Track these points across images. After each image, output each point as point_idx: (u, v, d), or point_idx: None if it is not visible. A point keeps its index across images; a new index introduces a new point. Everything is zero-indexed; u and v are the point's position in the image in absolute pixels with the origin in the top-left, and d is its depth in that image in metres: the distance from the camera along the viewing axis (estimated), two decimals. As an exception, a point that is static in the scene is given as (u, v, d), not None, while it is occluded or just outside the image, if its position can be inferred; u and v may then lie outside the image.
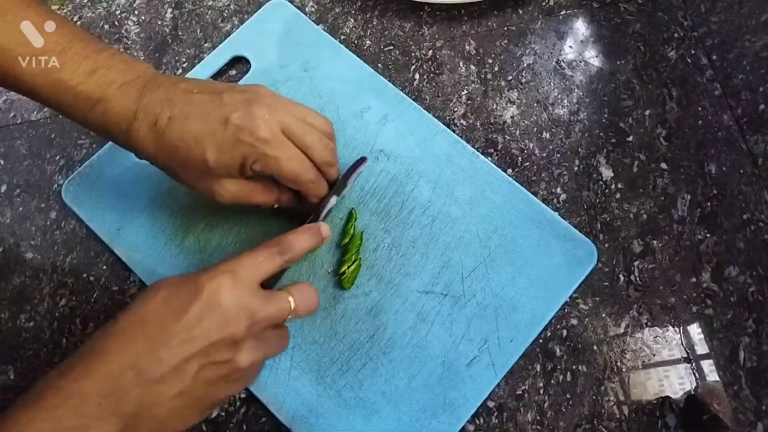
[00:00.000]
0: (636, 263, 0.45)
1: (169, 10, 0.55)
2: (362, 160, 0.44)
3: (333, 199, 0.41)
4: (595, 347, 0.43)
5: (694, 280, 0.44)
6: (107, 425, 0.29)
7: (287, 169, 0.37)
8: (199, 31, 0.54)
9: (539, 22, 0.52)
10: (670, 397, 0.42)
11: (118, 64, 0.36)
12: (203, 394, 0.32)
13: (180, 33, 0.54)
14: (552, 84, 0.50)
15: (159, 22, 0.55)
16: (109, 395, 0.30)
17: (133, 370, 0.30)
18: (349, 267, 0.43)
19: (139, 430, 0.31)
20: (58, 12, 0.54)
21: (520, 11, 0.53)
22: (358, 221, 0.45)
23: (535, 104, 0.50)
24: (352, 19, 0.53)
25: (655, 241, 0.45)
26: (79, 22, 0.55)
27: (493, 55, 0.51)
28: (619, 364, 0.43)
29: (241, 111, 0.35)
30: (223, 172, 0.36)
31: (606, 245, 0.45)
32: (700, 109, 0.49)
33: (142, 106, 0.35)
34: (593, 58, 0.51)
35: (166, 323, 0.31)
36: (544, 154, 0.48)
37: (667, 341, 0.43)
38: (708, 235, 0.45)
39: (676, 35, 0.51)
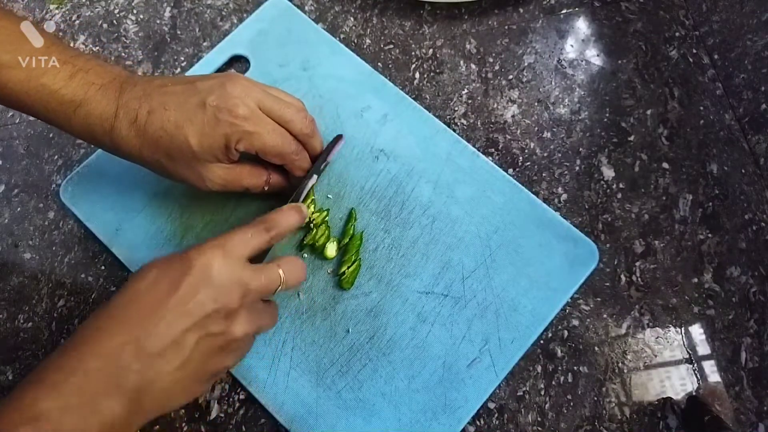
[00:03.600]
0: (637, 263, 0.45)
1: (168, 9, 0.55)
2: (338, 138, 0.45)
3: (313, 178, 0.42)
4: (596, 348, 0.43)
5: (695, 280, 0.44)
6: (111, 401, 0.30)
7: (270, 143, 0.38)
8: (197, 30, 0.54)
9: (540, 21, 0.52)
10: (672, 398, 0.42)
11: (95, 68, 0.37)
12: (202, 366, 0.33)
13: (179, 32, 0.54)
14: (553, 83, 0.50)
15: (158, 21, 0.54)
16: (111, 372, 0.30)
17: (132, 346, 0.30)
18: (348, 267, 0.43)
19: (144, 404, 0.31)
20: (57, 12, 0.54)
21: (521, 10, 0.52)
22: (358, 221, 0.45)
23: (536, 103, 0.49)
24: (351, 18, 0.53)
25: (656, 242, 0.45)
26: (77, 21, 0.55)
27: (493, 54, 0.51)
28: (620, 364, 0.42)
29: (216, 92, 0.36)
30: (209, 157, 0.37)
31: (607, 245, 0.45)
32: (701, 108, 0.48)
33: (122, 104, 0.36)
34: (594, 57, 0.51)
35: (161, 299, 0.32)
36: (545, 154, 0.48)
37: (668, 342, 0.43)
38: (710, 235, 0.45)
39: (677, 34, 0.51)
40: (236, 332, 0.33)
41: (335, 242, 0.44)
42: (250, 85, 0.38)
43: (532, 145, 0.48)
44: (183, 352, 0.31)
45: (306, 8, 0.54)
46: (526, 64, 0.51)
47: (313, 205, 0.44)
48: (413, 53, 0.52)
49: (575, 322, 0.43)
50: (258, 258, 0.38)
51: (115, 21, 0.55)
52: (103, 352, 0.30)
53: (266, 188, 0.42)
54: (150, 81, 0.38)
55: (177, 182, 0.40)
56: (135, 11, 0.55)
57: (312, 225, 0.44)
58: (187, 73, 0.50)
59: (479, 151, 0.46)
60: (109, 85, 0.37)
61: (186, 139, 0.36)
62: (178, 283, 0.32)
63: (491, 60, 0.51)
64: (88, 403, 0.29)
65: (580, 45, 0.51)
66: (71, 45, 0.53)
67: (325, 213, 0.44)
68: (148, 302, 0.32)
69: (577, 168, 0.47)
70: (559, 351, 0.43)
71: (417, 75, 0.51)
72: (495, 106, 0.50)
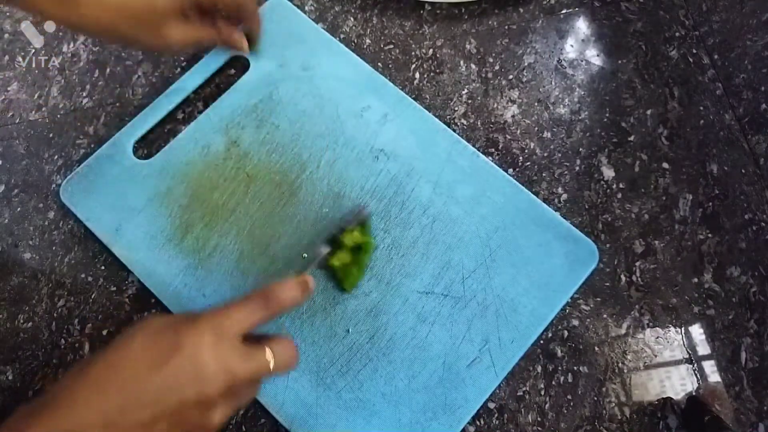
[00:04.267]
0: (637, 263, 0.45)
1: (168, 9, 0.55)
2: (361, 208, 0.44)
3: (323, 248, 0.41)
4: (596, 348, 0.43)
5: (695, 280, 0.44)
6: None
7: None
8: (198, 30, 0.54)
9: (540, 21, 0.52)
10: (672, 398, 0.42)
11: None
12: None
13: (179, 32, 0.54)
14: (553, 83, 0.50)
15: (158, 21, 0.54)
16: None
17: (101, 424, 0.29)
18: (352, 269, 0.42)
19: None
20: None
21: (521, 10, 0.52)
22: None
23: (536, 103, 0.49)
24: (351, 18, 0.53)
25: (656, 242, 0.45)
26: (77, 21, 0.55)
27: (493, 54, 0.51)
28: (620, 364, 0.42)
29: None
30: (169, 11, 0.39)
31: (607, 245, 0.45)
32: (701, 108, 0.48)
33: None
34: (594, 57, 0.51)
35: (141, 374, 0.30)
36: (545, 154, 0.48)
37: (668, 342, 0.43)
38: (710, 235, 0.45)
39: (677, 34, 0.51)
40: (212, 422, 0.32)
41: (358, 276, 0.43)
42: None
43: (532, 145, 0.48)
44: None
45: (306, 8, 0.54)
46: (526, 64, 0.51)
47: (362, 234, 0.43)
48: (413, 53, 0.52)
49: (575, 322, 0.43)
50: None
51: (115, 21, 0.55)
52: (70, 424, 0.29)
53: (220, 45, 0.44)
54: None
55: (136, 48, 0.41)
56: (135, 11, 0.55)
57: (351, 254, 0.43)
58: (187, 74, 0.50)
59: (479, 151, 0.46)
60: None
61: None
62: (162, 362, 0.30)
63: (491, 60, 0.51)
64: None
65: (580, 45, 0.51)
66: (71, 45, 0.53)
67: (367, 253, 0.43)
68: (128, 374, 0.30)
69: (577, 168, 0.47)
70: (559, 351, 0.43)
71: (417, 75, 0.51)
72: (495, 106, 0.50)
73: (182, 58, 0.53)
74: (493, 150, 0.48)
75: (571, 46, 0.51)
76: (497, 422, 0.41)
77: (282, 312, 0.36)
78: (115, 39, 0.40)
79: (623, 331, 0.43)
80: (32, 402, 0.30)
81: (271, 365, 0.34)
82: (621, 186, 0.47)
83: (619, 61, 0.50)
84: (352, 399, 0.41)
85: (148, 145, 0.49)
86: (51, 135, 0.51)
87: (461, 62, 0.51)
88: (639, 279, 0.44)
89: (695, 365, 0.42)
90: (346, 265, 0.42)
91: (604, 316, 0.43)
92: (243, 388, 0.34)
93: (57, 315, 0.45)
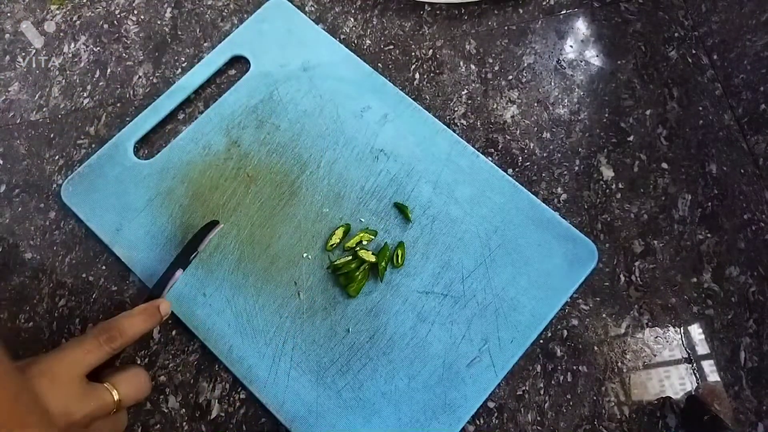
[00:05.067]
0: (637, 263, 0.45)
1: (169, 10, 0.55)
2: (213, 224, 0.43)
3: (178, 273, 0.40)
4: (595, 347, 0.43)
5: (694, 280, 0.44)
6: None
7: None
8: (198, 30, 0.54)
9: (540, 22, 0.52)
10: (671, 398, 0.42)
11: None
12: None
13: (179, 32, 0.54)
14: (552, 83, 0.50)
15: (158, 22, 0.55)
16: None
17: None
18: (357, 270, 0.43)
19: None
20: (57, 12, 0.54)
21: (521, 10, 0.52)
22: (359, 222, 0.45)
23: (536, 104, 0.50)
24: (351, 19, 0.53)
25: (655, 241, 0.45)
26: (78, 22, 0.55)
27: (493, 55, 0.51)
28: (619, 364, 0.42)
29: None
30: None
31: (607, 245, 0.45)
32: (700, 108, 0.49)
33: None
34: (594, 57, 0.51)
35: None
36: (545, 154, 0.48)
37: (667, 341, 0.43)
38: (709, 235, 0.45)
39: (676, 35, 0.51)
40: None
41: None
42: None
43: (531, 145, 0.48)
44: None
45: (306, 9, 0.54)
46: (525, 64, 0.51)
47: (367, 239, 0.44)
48: (413, 54, 0.52)
49: (574, 322, 0.43)
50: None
51: (115, 21, 0.55)
52: None
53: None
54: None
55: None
56: (136, 12, 0.55)
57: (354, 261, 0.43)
58: (187, 74, 0.50)
59: (479, 151, 0.47)
60: None
61: None
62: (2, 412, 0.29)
63: (491, 60, 0.51)
64: None
65: (579, 45, 0.51)
66: (71, 45, 0.53)
67: (369, 262, 0.43)
68: None
69: (577, 168, 0.47)
70: (558, 350, 0.43)
71: (417, 75, 0.51)
72: (494, 106, 0.50)
73: (182, 58, 0.53)
74: (492, 150, 0.48)
75: (571, 46, 0.51)
76: (497, 421, 0.41)
77: (127, 344, 0.36)
78: None
79: (622, 331, 0.43)
80: None
81: (116, 398, 0.34)
82: (620, 186, 0.47)
83: (619, 62, 0.50)
84: (352, 398, 0.41)
85: (149, 146, 0.49)
86: (52, 135, 0.51)
87: (461, 63, 0.51)
88: (638, 279, 0.44)
89: (694, 365, 0.42)
90: (352, 271, 0.43)
91: (604, 315, 0.44)
92: (98, 423, 0.34)
93: (58, 315, 0.46)
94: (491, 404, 0.42)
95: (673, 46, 0.50)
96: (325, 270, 0.44)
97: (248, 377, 0.42)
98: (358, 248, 0.43)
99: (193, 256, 0.41)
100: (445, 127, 0.47)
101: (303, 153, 0.47)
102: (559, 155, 0.48)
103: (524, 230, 0.44)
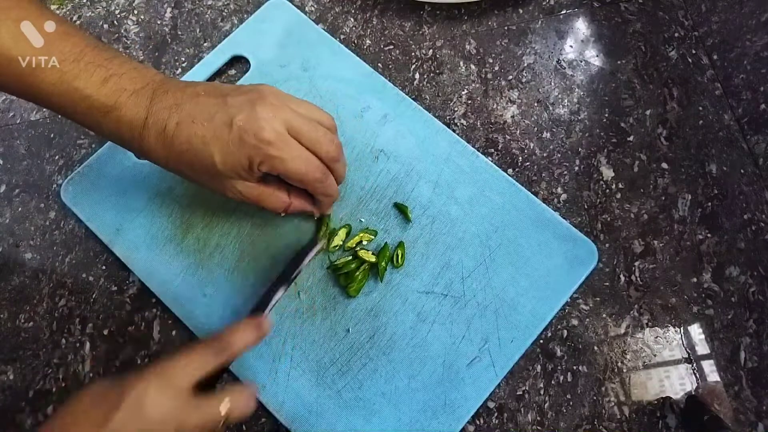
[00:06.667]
0: (637, 263, 0.45)
1: (169, 10, 0.55)
2: (312, 244, 0.43)
3: (280, 292, 0.40)
4: (595, 347, 0.43)
5: (694, 280, 0.44)
6: None
7: (293, 169, 0.36)
8: (198, 30, 0.54)
9: (540, 22, 0.52)
10: (671, 398, 0.42)
11: (129, 72, 0.36)
12: None
13: (179, 32, 0.54)
14: (552, 83, 0.50)
15: (158, 22, 0.55)
16: None
17: None
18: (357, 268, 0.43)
19: None
20: (57, 12, 0.54)
21: (521, 10, 0.53)
22: (358, 223, 0.45)
23: (536, 104, 0.50)
24: (352, 19, 0.53)
25: (655, 241, 0.45)
26: (78, 22, 0.55)
27: (493, 55, 0.51)
28: (619, 364, 0.42)
29: (245, 113, 0.35)
30: (231, 174, 0.36)
31: (606, 245, 0.45)
32: (700, 108, 0.49)
33: (152, 113, 0.35)
34: (594, 57, 0.51)
35: None
36: (545, 154, 0.48)
37: (667, 341, 0.43)
38: (709, 235, 0.45)
39: (676, 35, 0.51)
40: None
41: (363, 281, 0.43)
42: (280, 105, 0.36)
43: (531, 145, 0.48)
44: None
45: (306, 9, 0.54)
46: (525, 64, 0.51)
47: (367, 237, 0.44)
48: (413, 54, 0.52)
49: (574, 322, 0.44)
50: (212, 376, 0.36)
51: (115, 21, 0.55)
52: None
53: (282, 214, 0.41)
54: (183, 89, 0.36)
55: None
56: (136, 12, 0.55)
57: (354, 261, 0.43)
58: (187, 74, 0.50)
59: (479, 151, 0.47)
60: (141, 91, 0.36)
61: (210, 156, 0.35)
62: (107, 418, 0.30)
63: (491, 60, 0.51)
64: None
65: (579, 45, 0.51)
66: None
67: (368, 262, 0.43)
68: None
69: (577, 168, 0.47)
70: (558, 350, 0.43)
71: (417, 75, 0.51)
72: (494, 106, 0.50)
73: (182, 58, 0.53)
74: (492, 150, 0.48)
75: (571, 46, 0.51)
76: (497, 421, 0.41)
77: (234, 358, 0.36)
78: (184, 177, 0.39)
79: (622, 331, 0.43)
80: None
81: (224, 413, 0.34)
82: (620, 186, 0.47)
83: (619, 62, 0.50)
84: (352, 398, 0.41)
85: (149, 146, 0.49)
86: (52, 135, 0.51)
87: (461, 63, 0.51)
88: (638, 279, 0.44)
89: (694, 365, 0.42)
90: (352, 271, 0.43)
91: (604, 315, 0.44)
92: None
93: (58, 315, 0.46)
94: (491, 404, 0.42)
95: (673, 46, 0.50)
96: (325, 270, 0.44)
97: (248, 377, 0.42)
98: (358, 248, 0.43)
99: (295, 274, 0.41)
100: (445, 127, 0.47)
101: (303, 153, 0.47)
102: (559, 155, 0.48)
103: (524, 230, 0.44)
